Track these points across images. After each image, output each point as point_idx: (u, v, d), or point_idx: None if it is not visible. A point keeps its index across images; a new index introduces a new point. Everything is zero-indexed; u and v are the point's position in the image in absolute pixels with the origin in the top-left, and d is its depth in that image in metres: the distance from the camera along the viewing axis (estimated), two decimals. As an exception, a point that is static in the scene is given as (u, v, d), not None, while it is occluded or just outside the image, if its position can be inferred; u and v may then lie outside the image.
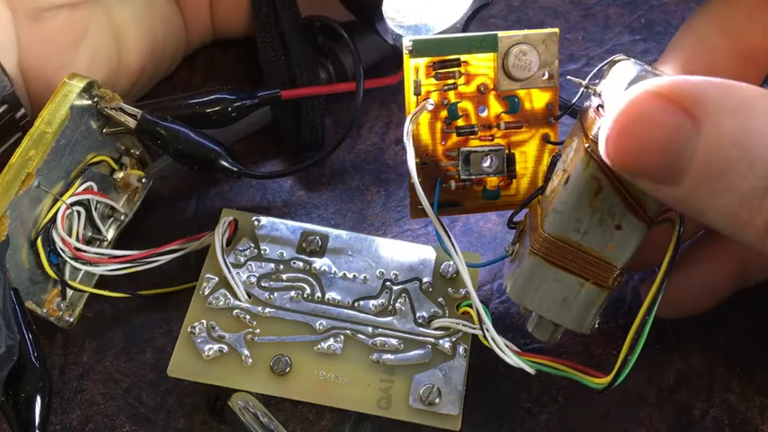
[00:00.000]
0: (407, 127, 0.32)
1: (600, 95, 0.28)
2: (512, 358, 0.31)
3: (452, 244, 0.31)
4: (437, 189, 0.34)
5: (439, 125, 0.33)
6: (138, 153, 0.38)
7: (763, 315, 0.37)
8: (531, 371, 0.31)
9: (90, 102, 0.35)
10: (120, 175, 0.37)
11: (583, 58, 0.45)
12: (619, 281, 0.29)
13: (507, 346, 0.31)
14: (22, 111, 0.36)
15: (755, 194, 0.23)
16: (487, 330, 0.31)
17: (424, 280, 0.36)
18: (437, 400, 0.33)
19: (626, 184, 0.28)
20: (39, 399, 0.30)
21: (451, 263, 0.36)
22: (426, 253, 0.36)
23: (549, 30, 0.32)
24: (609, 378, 0.29)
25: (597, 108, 0.28)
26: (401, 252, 0.36)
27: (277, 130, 0.41)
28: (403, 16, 0.36)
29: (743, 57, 0.33)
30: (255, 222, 0.37)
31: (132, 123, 0.35)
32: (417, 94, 0.33)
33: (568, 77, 0.31)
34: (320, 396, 0.33)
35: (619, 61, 0.28)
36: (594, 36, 0.46)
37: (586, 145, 0.28)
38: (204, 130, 0.36)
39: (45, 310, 0.34)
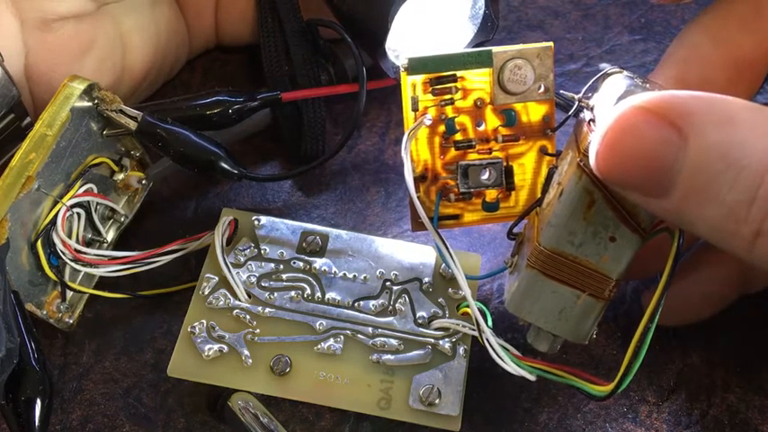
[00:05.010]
0: (405, 143, 0.32)
1: (592, 109, 0.28)
2: (512, 366, 0.31)
3: (452, 258, 0.31)
4: (437, 203, 0.34)
5: (437, 140, 0.34)
6: (138, 155, 0.38)
7: (763, 315, 0.37)
8: (531, 378, 0.31)
9: (90, 104, 0.35)
10: (121, 176, 0.37)
11: (583, 58, 0.45)
12: (615, 292, 0.30)
13: (508, 350, 0.31)
14: (28, 119, 0.36)
15: (741, 206, 0.23)
16: (487, 340, 0.31)
17: (425, 280, 0.36)
18: (437, 401, 0.33)
19: (618, 196, 0.28)
20: (39, 402, 0.30)
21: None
22: (426, 253, 0.36)
23: (544, 44, 0.33)
24: (611, 386, 0.29)
25: (589, 122, 0.28)
26: (401, 252, 0.36)
27: (277, 132, 0.41)
28: (404, 51, 0.37)
29: (736, 67, 0.34)
30: (255, 222, 0.37)
31: (133, 125, 0.35)
32: (415, 109, 0.33)
33: (561, 92, 0.31)
34: (320, 396, 0.33)
35: (611, 74, 0.29)
36: (594, 36, 0.46)
37: (578, 159, 0.28)
38: (204, 132, 0.36)
39: (45, 312, 0.34)
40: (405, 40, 0.37)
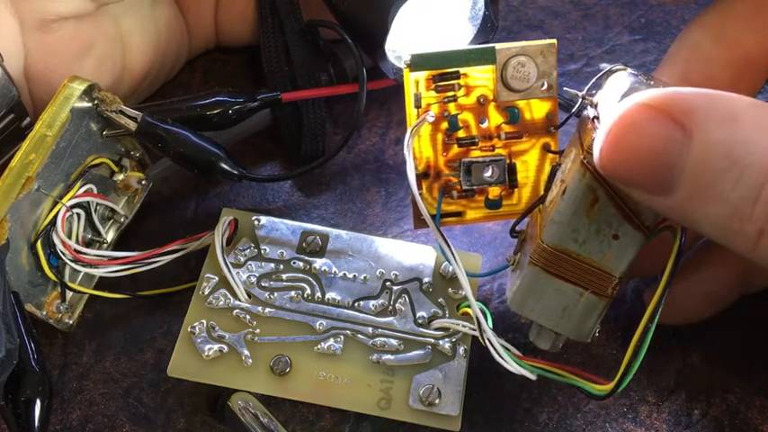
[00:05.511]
0: (408, 140, 0.32)
1: (596, 107, 0.28)
2: (513, 365, 0.31)
3: (454, 256, 0.31)
4: (439, 200, 0.34)
5: (440, 137, 0.34)
6: (138, 155, 0.38)
7: (763, 315, 0.37)
8: (532, 377, 0.31)
9: (90, 104, 0.35)
10: (120, 177, 0.37)
11: (583, 58, 0.45)
12: (617, 289, 0.30)
13: (509, 350, 0.31)
14: (28, 120, 0.37)
15: (745, 204, 0.23)
16: (488, 339, 0.31)
17: (425, 280, 0.36)
18: (437, 401, 0.33)
19: (622, 194, 0.28)
20: (38, 402, 0.30)
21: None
22: (426, 253, 0.36)
23: (547, 41, 0.33)
24: (611, 385, 0.29)
25: (593, 119, 0.28)
26: (401, 252, 0.36)
27: (277, 132, 0.41)
28: (404, 52, 0.37)
29: (738, 66, 0.34)
30: (255, 222, 0.37)
31: (132, 126, 0.35)
32: (418, 106, 0.33)
33: (565, 89, 0.31)
34: (320, 396, 0.33)
35: (615, 71, 0.29)
36: (594, 36, 0.46)
37: (582, 156, 0.28)
38: (204, 133, 0.36)
39: (44, 313, 0.34)
40: (404, 42, 0.37)
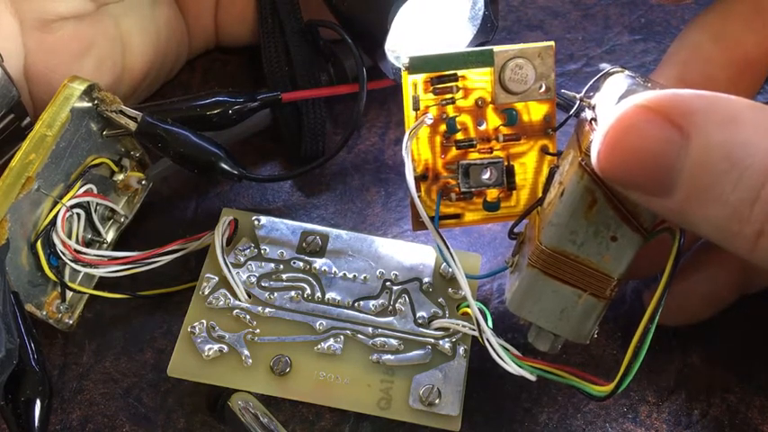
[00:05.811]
0: (406, 142, 0.32)
1: (594, 109, 0.28)
2: (512, 366, 0.31)
3: (453, 258, 0.31)
4: (437, 202, 0.34)
5: (438, 139, 0.34)
6: (138, 155, 0.38)
7: (763, 315, 0.37)
8: (532, 378, 0.31)
9: (90, 104, 0.35)
10: (120, 177, 0.37)
11: (583, 58, 0.45)
12: (616, 291, 0.30)
13: (508, 350, 0.31)
14: (28, 119, 0.37)
15: (744, 205, 0.23)
16: (488, 340, 0.31)
17: (425, 280, 0.36)
18: (437, 401, 0.33)
19: (620, 196, 0.28)
20: (38, 402, 0.30)
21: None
22: (426, 253, 0.36)
23: (545, 43, 0.33)
24: (611, 386, 0.29)
25: (591, 121, 0.28)
26: (401, 252, 0.36)
27: (277, 132, 0.41)
28: (404, 52, 0.37)
29: (738, 66, 0.34)
30: (255, 222, 0.37)
31: (132, 126, 0.35)
32: (416, 109, 0.33)
33: (563, 91, 0.31)
34: (320, 396, 0.33)
35: (613, 73, 0.29)
36: (594, 36, 0.46)
37: (580, 158, 0.28)
38: (204, 133, 0.36)
39: (44, 313, 0.34)
40: (404, 42, 0.37)
